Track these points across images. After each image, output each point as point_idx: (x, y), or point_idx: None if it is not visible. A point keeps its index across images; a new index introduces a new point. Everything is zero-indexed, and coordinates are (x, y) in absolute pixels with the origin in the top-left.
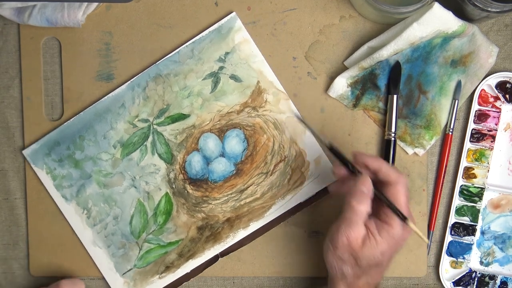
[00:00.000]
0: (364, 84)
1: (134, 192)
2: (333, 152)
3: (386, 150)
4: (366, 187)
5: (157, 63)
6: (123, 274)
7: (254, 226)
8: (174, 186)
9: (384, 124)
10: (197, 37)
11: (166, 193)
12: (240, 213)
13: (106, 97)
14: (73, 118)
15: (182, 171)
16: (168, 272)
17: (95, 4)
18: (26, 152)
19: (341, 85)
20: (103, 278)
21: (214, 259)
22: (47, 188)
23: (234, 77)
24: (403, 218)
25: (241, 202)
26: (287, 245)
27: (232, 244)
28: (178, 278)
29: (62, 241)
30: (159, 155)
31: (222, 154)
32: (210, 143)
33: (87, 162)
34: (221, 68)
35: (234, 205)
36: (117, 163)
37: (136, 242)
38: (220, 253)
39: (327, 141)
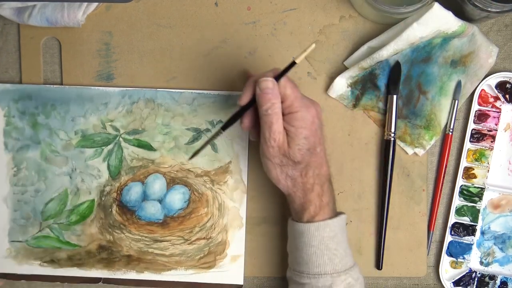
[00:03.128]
0: (364, 84)
1: (67, 180)
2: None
3: (386, 150)
4: (265, 88)
5: (158, 89)
6: (11, 241)
7: (147, 276)
8: (103, 199)
9: (384, 124)
10: (205, 92)
11: (93, 200)
12: (143, 258)
13: (97, 88)
14: (56, 86)
15: (118, 192)
16: (50, 265)
17: (95, 4)
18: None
19: (341, 85)
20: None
21: (96, 280)
22: None
23: (213, 145)
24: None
25: (149, 249)
26: (286, 245)
27: (119, 278)
28: (54, 276)
29: None
30: (109, 165)
31: (160, 201)
32: (157, 185)
33: (44, 130)
34: (207, 130)
35: (142, 248)
36: (68, 148)
37: (40, 222)
38: (104, 278)
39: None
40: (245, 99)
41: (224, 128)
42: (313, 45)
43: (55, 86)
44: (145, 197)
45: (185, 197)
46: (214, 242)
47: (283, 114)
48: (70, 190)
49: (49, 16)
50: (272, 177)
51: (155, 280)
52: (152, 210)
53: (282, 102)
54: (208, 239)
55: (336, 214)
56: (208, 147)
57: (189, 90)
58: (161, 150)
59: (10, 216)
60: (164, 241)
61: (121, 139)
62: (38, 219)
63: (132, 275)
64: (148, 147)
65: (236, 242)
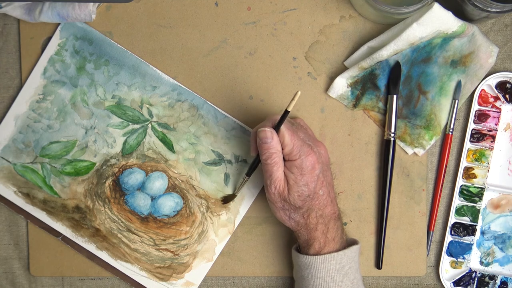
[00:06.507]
0: (364, 84)
1: (81, 133)
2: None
3: (386, 150)
4: (264, 138)
5: (207, 101)
6: (1, 157)
7: (102, 255)
8: (104, 167)
9: (384, 124)
10: (247, 127)
11: (94, 164)
12: (108, 238)
13: (154, 68)
14: (120, 46)
15: (120, 169)
16: (24, 197)
17: None
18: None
19: (341, 85)
20: (104, 278)
21: (57, 233)
22: (41, 57)
23: (226, 177)
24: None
25: (119, 233)
26: (287, 245)
27: (77, 244)
28: (22, 208)
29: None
30: (125, 142)
31: (153, 198)
32: (158, 183)
33: (87, 78)
34: (229, 161)
35: (113, 230)
36: (99, 106)
37: (36, 156)
38: (64, 236)
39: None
40: (253, 151)
41: (248, 174)
42: (299, 93)
43: (118, 45)
44: (141, 187)
45: (176, 207)
46: (179, 261)
47: (284, 160)
48: (79, 143)
49: (60, 11)
50: (277, 218)
51: (108, 263)
52: (141, 202)
53: (282, 149)
54: (175, 255)
55: (345, 245)
56: (221, 176)
57: (234, 118)
58: (179, 155)
59: (12, 134)
60: (136, 235)
61: (150, 125)
62: (36, 152)
63: (90, 247)
64: (169, 147)
65: (198, 271)
